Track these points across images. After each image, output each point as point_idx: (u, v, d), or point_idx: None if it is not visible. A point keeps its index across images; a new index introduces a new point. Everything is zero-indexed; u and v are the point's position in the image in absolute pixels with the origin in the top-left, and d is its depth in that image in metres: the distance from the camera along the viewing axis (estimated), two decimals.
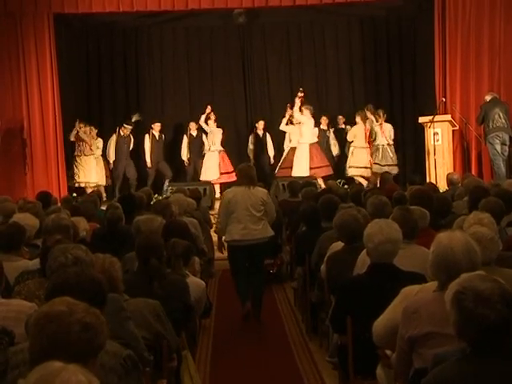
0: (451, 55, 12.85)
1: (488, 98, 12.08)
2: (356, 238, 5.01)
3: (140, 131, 14.70)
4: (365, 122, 14.08)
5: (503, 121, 11.84)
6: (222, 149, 14.42)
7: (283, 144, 14.68)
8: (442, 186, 10.53)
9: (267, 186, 12.54)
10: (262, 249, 7.40)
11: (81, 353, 2.22)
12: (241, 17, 14.72)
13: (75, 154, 14.01)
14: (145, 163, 14.59)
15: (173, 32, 15.87)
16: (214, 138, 14.40)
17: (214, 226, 9.21)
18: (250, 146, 14.97)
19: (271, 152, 14.83)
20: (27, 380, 1.83)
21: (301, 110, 13.85)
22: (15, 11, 12.99)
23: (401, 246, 4.25)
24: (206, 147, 14.54)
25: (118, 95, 15.73)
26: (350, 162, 14.22)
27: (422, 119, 12.77)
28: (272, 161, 14.79)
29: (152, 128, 14.57)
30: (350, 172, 14.20)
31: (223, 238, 7.61)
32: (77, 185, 13.90)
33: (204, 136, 14.60)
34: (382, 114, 13.84)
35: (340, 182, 13.04)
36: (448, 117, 12.63)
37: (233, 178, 13.73)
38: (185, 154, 14.67)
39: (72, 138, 13.94)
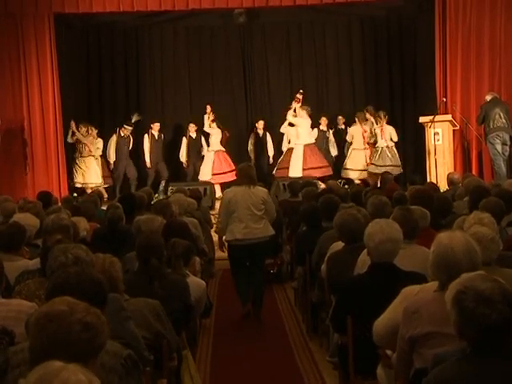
0: (452, 55, 12.85)
1: (488, 97, 12.08)
2: (356, 238, 5.01)
3: (139, 131, 14.70)
4: (362, 124, 14.12)
5: (504, 121, 11.85)
6: (220, 149, 14.38)
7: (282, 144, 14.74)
8: (443, 186, 10.53)
9: (267, 185, 12.56)
10: (263, 248, 7.42)
11: (81, 352, 2.22)
12: (241, 17, 14.72)
13: (74, 155, 14.01)
14: (144, 163, 14.60)
15: (173, 32, 15.87)
16: (211, 138, 14.40)
17: (215, 226, 9.23)
18: (250, 146, 14.97)
19: (271, 152, 14.84)
20: (27, 379, 1.83)
21: (295, 111, 13.91)
22: (16, 11, 12.99)
23: (401, 245, 4.25)
24: (205, 148, 14.56)
25: (118, 95, 15.73)
26: (346, 163, 14.31)
27: (422, 119, 12.77)
28: (272, 161, 14.80)
29: (151, 128, 14.58)
30: (345, 174, 14.25)
31: (224, 237, 7.63)
32: (77, 185, 13.90)
33: (203, 138, 14.61)
34: (382, 116, 13.87)
35: (340, 182, 13.05)
36: (448, 117, 12.63)
37: (227, 178, 13.80)
38: (184, 156, 14.67)
39: (69, 140, 13.93)
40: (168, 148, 15.05)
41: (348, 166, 14.28)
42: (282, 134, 14.65)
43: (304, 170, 13.82)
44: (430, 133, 12.47)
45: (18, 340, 3.13)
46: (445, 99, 12.81)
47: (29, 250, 5.48)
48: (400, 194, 7.35)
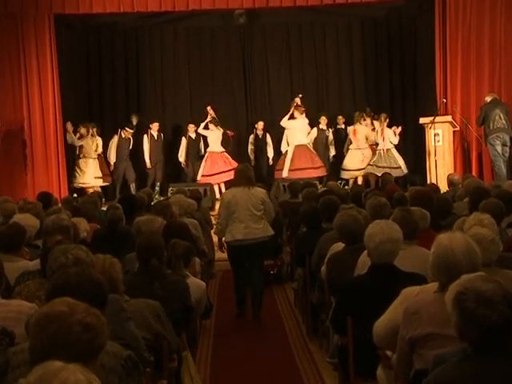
0: (452, 56, 12.85)
1: (488, 98, 12.08)
2: (356, 239, 5.01)
3: (139, 132, 14.70)
4: (355, 124, 14.18)
5: (504, 122, 11.85)
6: (218, 150, 14.35)
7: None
8: (443, 187, 10.52)
9: (267, 186, 12.57)
10: (263, 248, 7.47)
11: (81, 353, 2.22)
12: (241, 17, 14.72)
13: (74, 156, 14.02)
14: (144, 164, 14.60)
15: (173, 32, 15.88)
16: (208, 140, 14.39)
17: (214, 227, 9.22)
18: (250, 147, 14.97)
19: (271, 153, 14.84)
20: (27, 379, 1.83)
21: (292, 117, 14.04)
22: (16, 12, 12.99)
23: (401, 246, 4.25)
24: (202, 150, 14.57)
25: (118, 96, 15.74)
26: (343, 164, 14.34)
27: (422, 120, 12.77)
28: (271, 161, 14.81)
29: (150, 128, 14.58)
30: (342, 174, 14.32)
31: (223, 238, 7.65)
32: (76, 185, 13.89)
33: (202, 138, 14.61)
34: (383, 119, 13.91)
35: (340, 183, 13.05)
36: (449, 118, 12.63)
37: (220, 178, 13.82)
38: (182, 156, 14.67)
39: (70, 142, 13.93)
40: (168, 149, 15.05)
41: (343, 167, 14.33)
42: (282, 135, 14.65)
43: (290, 170, 13.99)
44: (430, 134, 12.48)
45: (18, 341, 3.12)
46: (445, 100, 12.82)
47: (29, 250, 5.47)
48: (400, 194, 7.35)
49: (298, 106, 14.18)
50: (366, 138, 14.19)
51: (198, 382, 4.82)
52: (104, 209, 8.51)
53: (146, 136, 14.56)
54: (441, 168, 12.30)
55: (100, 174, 14.09)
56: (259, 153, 14.83)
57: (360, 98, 15.73)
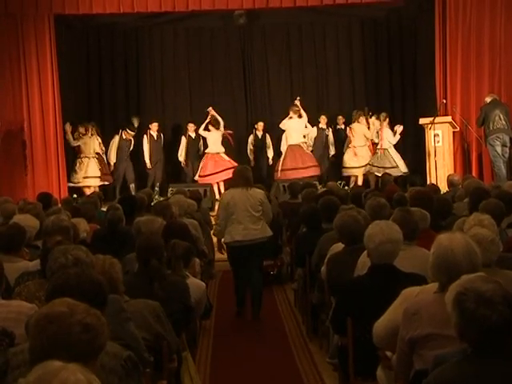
0: (452, 56, 12.85)
1: (488, 99, 12.08)
2: (356, 240, 5.01)
3: (139, 132, 14.69)
4: (352, 122, 14.23)
5: (504, 122, 11.85)
6: (217, 151, 14.33)
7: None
8: (443, 188, 10.52)
9: (267, 187, 12.57)
10: (262, 248, 7.49)
11: (81, 354, 2.22)
12: (241, 18, 14.72)
13: (80, 154, 14.03)
14: (144, 164, 14.60)
15: (173, 33, 15.88)
16: (208, 141, 14.39)
17: (213, 228, 9.22)
18: (250, 147, 14.97)
19: (270, 153, 14.84)
20: (27, 379, 1.83)
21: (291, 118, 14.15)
22: (16, 12, 12.99)
23: (401, 246, 4.25)
24: (201, 150, 14.58)
25: (118, 96, 15.74)
26: (343, 162, 14.37)
27: (422, 121, 12.77)
28: (271, 162, 14.81)
29: (149, 128, 14.58)
30: (342, 172, 14.43)
31: (222, 239, 7.67)
32: (73, 184, 13.86)
33: (202, 138, 14.62)
34: (382, 119, 13.93)
35: (340, 184, 13.05)
36: (448, 118, 12.63)
37: (215, 178, 13.82)
38: (182, 156, 14.67)
39: (73, 144, 13.94)
40: (168, 149, 15.04)
41: (343, 165, 14.35)
42: (282, 135, 14.67)
43: (281, 171, 14.15)
44: (430, 134, 12.48)
45: (18, 341, 3.13)
46: (445, 101, 12.82)
47: (29, 251, 5.47)
48: (400, 195, 7.35)
49: (292, 105, 14.23)
50: (365, 137, 14.20)
51: (198, 383, 4.82)
52: (104, 209, 8.50)
53: (145, 136, 14.56)
54: (441, 168, 12.30)
55: (98, 174, 14.06)
56: (259, 153, 14.83)
57: (360, 98, 15.73)
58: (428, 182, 11.69)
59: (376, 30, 15.87)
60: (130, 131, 14.39)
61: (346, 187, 12.98)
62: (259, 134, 14.87)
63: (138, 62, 15.85)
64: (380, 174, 13.21)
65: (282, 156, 14.33)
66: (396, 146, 14.00)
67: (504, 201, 5.84)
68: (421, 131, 13.19)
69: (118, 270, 3.87)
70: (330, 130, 14.89)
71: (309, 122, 14.48)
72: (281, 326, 7.29)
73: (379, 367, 3.94)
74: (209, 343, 6.73)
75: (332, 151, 14.86)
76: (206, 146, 14.50)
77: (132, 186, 14.33)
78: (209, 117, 14.35)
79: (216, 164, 14.17)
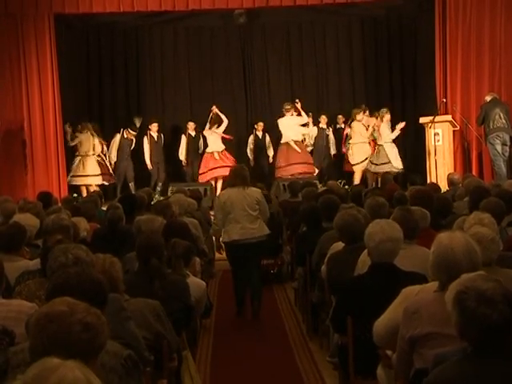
0: (452, 55, 12.86)
1: (488, 98, 12.08)
2: (357, 239, 5.00)
3: (139, 133, 14.69)
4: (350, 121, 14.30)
5: (504, 121, 11.85)
6: (215, 150, 14.33)
7: None
8: (443, 187, 10.52)
9: (267, 186, 12.59)
10: (260, 247, 7.50)
11: (81, 353, 2.22)
12: (241, 17, 14.72)
13: (77, 153, 14.02)
14: (145, 165, 14.60)
15: (173, 32, 15.89)
16: (209, 140, 14.39)
17: (211, 228, 9.21)
18: (250, 147, 14.97)
19: (271, 153, 14.84)
20: (25, 376, 1.83)
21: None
22: (16, 12, 13.00)
23: (401, 245, 4.25)
24: (201, 149, 14.58)
25: (118, 95, 15.75)
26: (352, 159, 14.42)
27: (422, 120, 12.78)
28: (271, 160, 14.81)
29: (150, 129, 14.58)
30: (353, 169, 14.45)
31: (220, 239, 7.68)
32: (71, 182, 13.85)
33: (202, 137, 14.61)
34: (379, 116, 13.95)
35: (341, 183, 13.06)
36: (449, 117, 12.63)
37: (211, 174, 13.83)
38: (183, 154, 14.67)
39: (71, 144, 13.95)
40: (168, 148, 15.03)
41: (353, 162, 14.38)
42: (282, 135, 14.67)
43: (277, 168, 14.18)
44: (430, 133, 12.48)
45: (19, 340, 3.13)
46: (445, 100, 12.82)
47: (29, 250, 5.48)
48: (400, 194, 7.35)
49: (284, 104, 14.27)
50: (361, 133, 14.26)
51: (198, 382, 4.82)
52: (104, 208, 8.51)
53: (145, 137, 14.55)
54: (441, 167, 12.30)
55: (98, 172, 14.02)
56: (259, 153, 14.83)
57: (360, 97, 15.74)
58: (428, 181, 11.70)
59: (376, 29, 15.88)
60: (131, 131, 14.39)
61: (346, 186, 12.98)
62: (259, 134, 14.87)
63: (137, 61, 15.86)
64: (373, 171, 13.38)
65: (277, 154, 14.38)
66: (396, 145, 13.99)
67: (504, 199, 5.84)
68: (421, 130, 13.19)
69: (118, 269, 3.87)
70: (331, 129, 14.91)
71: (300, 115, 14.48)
72: (281, 325, 7.29)
73: (379, 366, 3.94)
74: (209, 342, 6.73)
75: (333, 151, 14.87)
76: (206, 145, 14.49)
77: (131, 184, 14.33)
78: (211, 114, 14.32)
79: (215, 161, 14.17)
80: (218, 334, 7.04)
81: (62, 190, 13.23)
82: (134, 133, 14.43)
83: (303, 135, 14.53)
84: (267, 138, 14.85)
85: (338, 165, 14.84)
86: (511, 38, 12.56)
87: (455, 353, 2.59)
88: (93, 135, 14.04)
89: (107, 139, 14.47)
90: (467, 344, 2.51)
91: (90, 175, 13.93)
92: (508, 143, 11.94)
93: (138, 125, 14.65)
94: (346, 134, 14.56)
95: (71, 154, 14.02)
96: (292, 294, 8.33)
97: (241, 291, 7.57)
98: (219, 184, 14.01)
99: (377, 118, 14.02)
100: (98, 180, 14.01)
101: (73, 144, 13.95)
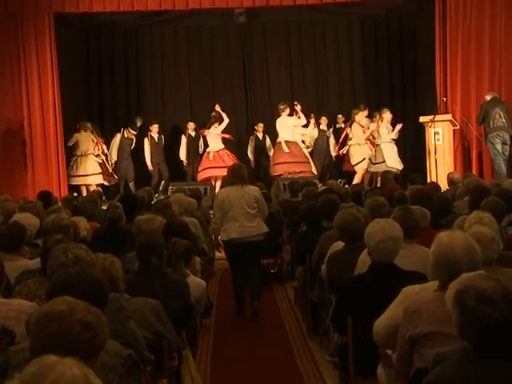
0: (452, 54, 12.86)
1: (488, 97, 12.08)
2: (357, 238, 5.00)
3: (140, 134, 14.69)
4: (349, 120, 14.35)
5: (504, 120, 11.85)
6: (215, 149, 14.32)
7: None
8: (443, 186, 10.53)
9: (267, 185, 12.59)
10: (258, 245, 7.51)
11: (82, 352, 2.22)
12: (241, 16, 14.72)
13: (74, 153, 14.00)
14: (146, 166, 14.59)
15: (173, 31, 15.89)
16: (209, 140, 14.40)
17: (210, 226, 9.22)
18: (250, 148, 14.96)
19: (271, 153, 14.83)
20: (23, 373, 1.83)
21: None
22: (16, 11, 13.00)
23: (402, 245, 4.25)
24: (201, 149, 14.58)
25: (118, 95, 15.74)
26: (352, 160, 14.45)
27: (422, 119, 12.78)
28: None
29: (150, 130, 14.57)
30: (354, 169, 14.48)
31: (219, 237, 7.69)
32: (71, 182, 13.84)
33: (201, 137, 14.61)
34: (378, 116, 13.98)
35: (341, 182, 13.07)
36: (449, 116, 12.64)
37: (208, 173, 13.83)
38: (183, 155, 14.67)
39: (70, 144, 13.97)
40: (168, 148, 15.02)
41: (353, 163, 14.40)
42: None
43: (272, 166, 14.22)
44: (430, 132, 12.48)
45: (19, 340, 3.13)
46: (445, 99, 12.82)
47: (29, 249, 5.48)
48: (400, 193, 7.35)
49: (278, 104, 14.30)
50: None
51: (198, 381, 4.82)
52: (104, 208, 8.51)
53: (146, 139, 14.55)
54: (441, 167, 12.30)
55: (98, 171, 14.01)
56: (259, 154, 14.82)
57: (360, 96, 15.73)
58: (428, 180, 11.70)
59: (376, 29, 15.88)
60: (131, 130, 14.40)
61: (347, 185, 12.98)
62: (259, 135, 14.87)
63: (137, 61, 15.85)
64: (372, 170, 13.52)
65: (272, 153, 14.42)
66: (396, 144, 13.99)
67: (504, 199, 5.84)
68: (421, 129, 13.19)
69: (119, 268, 3.87)
70: (331, 130, 14.91)
71: (308, 120, 14.48)
72: (281, 325, 7.29)
73: (379, 365, 3.94)
74: (209, 341, 6.73)
75: (333, 152, 14.88)
76: (206, 144, 14.48)
77: (131, 184, 14.33)
78: (213, 112, 14.29)
79: (209, 161, 14.16)
80: (218, 333, 7.04)
81: (62, 189, 13.23)
82: (134, 132, 14.44)
83: (302, 135, 14.52)
84: (267, 138, 14.85)
85: (339, 165, 14.85)
86: (511, 38, 12.56)
87: (455, 352, 2.59)
88: (88, 133, 14.02)
89: (107, 139, 14.47)
90: (467, 343, 2.51)
91: (90, 174, 13.92)
92: (508, 142, 11.95)
93: (138, 124, 14.66)
94: (346, 134, 14.56)
95: (71, 153, 14.01)
96: (292, 293, 8.33)
97: (240, 290, 7.58)
98: (218, 183, 14.00)
99: (376, 117, 14.05)
100: (99, 179, 14.00)
101: (70, 144, 13.92)
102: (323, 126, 14.82)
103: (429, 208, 5.74)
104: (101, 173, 14.05)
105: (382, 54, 15.76)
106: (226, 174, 13.22)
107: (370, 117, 14.45)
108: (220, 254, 9.15)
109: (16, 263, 4.91)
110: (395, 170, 13.62)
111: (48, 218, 5.79)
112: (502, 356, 2.44)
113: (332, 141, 14.86)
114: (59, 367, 1.82)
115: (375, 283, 4.10)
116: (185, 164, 14.71)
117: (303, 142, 14.59)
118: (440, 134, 12.49)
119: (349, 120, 14.64)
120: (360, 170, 14.10)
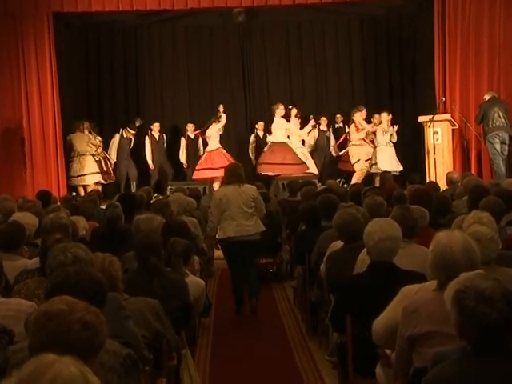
0: (451, 54, 12.87)
1: (487, 97, 12.08)
2: (356, 237, 5.01)
3: (140, 133, 14.69)
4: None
5: (503, 120, 11.85)
6: (213, 148, 14.31)
7: None
8: (442, 185, 10.53)
9: (266, 185, 12.59)
10: (255, 244, 7.53)
11: (81, 351, 2.22)
12: (240, 16, 14.72)
13: (72, 154, 13.98)
14: (147, 165, 14.58)
15: (172, 31, 15.89)
16: (209, 140, 14.39)
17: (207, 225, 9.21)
18: (251, 146, 14.95)
19: None
20: (21, 372, 1.83)
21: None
22: (15, 10, 13.00)
23: (400, 244, 4.25)
24: (201, 149, 14.56)
25: (117, 94, 15.74)
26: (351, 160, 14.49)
27: (421, 118, 12.78)
28: None
29: (151, 129, 14.57)
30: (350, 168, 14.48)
31: (216, 235, 7.70)
32: (71, 182, 13.83)
33: (201, 138, 14.60)
34: (376, 119, 14.04)
35: (340, 181, 13.07)
36: (448, 116, 12.64)
37: (213, 173, 13.83)
38: (183, 157, 14.66)
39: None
40: (168, 148, 15.00)
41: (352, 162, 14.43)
42: None
43: (260, 164, 14.27)
44: (429, 132, 12.48)
45: (18, 339, 3.13)
46: (444, 98, 12.83)
47: (28, 249, 5.48)
48: (399, 193, 7.35)
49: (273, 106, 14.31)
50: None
51: (197, 380, 4.83)
52: (103, 207, 8.50)
53: (147, 137, 14.55)
54: (440, 166, 12.31)
55: (95, 170, 13.98)
56: (260, 151, 14.79)
57: (359, 96, 15.74)
58: (427, 180, 11.70)
59: (375, 28, 15.88)
60: (130, 130, 14.40)
61: (346, 185, 12.99)
62: (260, 133, 14.86)
63: (136, 60, 15.85)
64: (372, 171, 13.61)
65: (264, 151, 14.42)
66: (395, 143, 14.01)
67: (503, 198, 5.85)
68: (420, 129, 13.20)
69: (118, 267, 3.87)
70: (331, 131, 14.93)
71: (307, 120, 14.46)
72: (280, 324, 7.29)
73: (378, 365, 3.94)
74: (208, 341, 6.73)
75: (333, 152, 14.88)
76: (205, 145, 14.45)
77: (134, 184, 14.30)
78: (218, 113, 14.24)
79: (216, 160, 14.15)
80: (217, 332, 7.04)
81: (61, 188, 13.23)
82: (132, 131, 14.44)
83: (299, 136, 14.52)
84: (268, 137, 14.84)
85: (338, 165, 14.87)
86: (510, 37, 12.57)
87: (454, 352, 2.59)
88: (90, 133, 14.01)
89: (106, 138, 14.46)
90: (466, 343, 2.51)
91: (87, 174, 13.89)
92: (507, 142, 11.95)
93: (137, 124, 14.64)
94: (347, 135, 14.60)
95: (69, 154, 13.99)
96: (291, 292, 8.33)
97: (239, 290, 7.59)
98: (216, 184, 13.99)
99: (375, 119, 14.10)
100: (96, 178, 13.97)
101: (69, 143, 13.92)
102: (323, 127, 14.83)
103: (428, 207, 5.74)
104: (98, 172, 14.02)
105: (381, 53, 15.76)
106: (216, 175, 13.48)
107: (369, 118, 14.47)
108: (219, 254, 9.14)
109: (15, 262, 4.91)
110: (394, 173, 13.65)
111: (47, 218, 5.79)
112: (501, 355, 2.44)
113: (332, 141, 14.87)
114: (57, 365, 1.82)
115: (374, 283, 4.10)
116: (185, 166, 14.71)
117: (303, 142, 14.59)
118: (439, 134, 12.49)
119: (348, 120, 14.65)
120: (357, 170, 14.14)
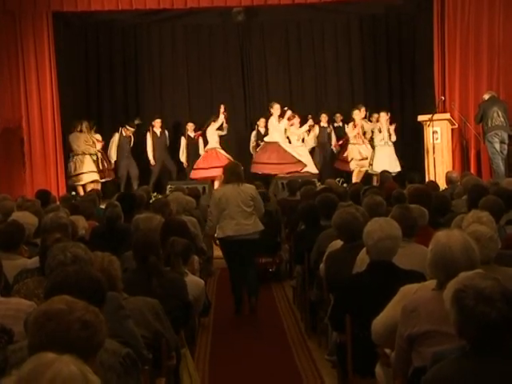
0: (450, 54, 12.87)
1: (486, 96, 12.08)
2: (355, 237, 5.01)
3: (141, 130, 14.68)
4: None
5: (502, 119, 11.85)
6: (213, 147, 14.32)
7: None
8: (441, 185, 10.53)
9: (266, 184, 12.59)
10: (254, 243, 7.53)
11: (80, 351, 2.22)
12: (240, 15, 14.72)
13: (70, 154, 13.97)
14: (148, 162, 14.57)
15: (172, 30, 15.88)
16: (209, 139, 14.39)
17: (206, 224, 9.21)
18: (252, 144, 14.94)
19: None
20: (21, 370, 1.83)
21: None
22: (14, 9, 12.99)
23: (400, 243, 4.25)
24: (201, 148, 14.56)
25: (116, 93, 15.74)
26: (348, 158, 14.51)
27: (421, 118, 12.79)
28: None
29: (153, 125, 14.57)
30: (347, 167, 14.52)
31: (215, 234, 7.71)
32: (71, 183, 13.83)
33: (201, 138, 14.59)
34: (374, 119, 14.06)
35: (339, 181, 13.07)
36: (447, 115, 12.64)
37: (211, 173, 13.81)
38: (184, 156, 14.66)
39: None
40: (169, 147, 14.98)
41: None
42: None
43: (254, 163, 14.26)
44: (428, 131, 12.48)
45: (17, 339, 3.13)
46: (443, 98, 12.83)
47: (28, 248, 5.47)
48: (399, 192, 7.35)
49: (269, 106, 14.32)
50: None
51: (197, 380, 4.82)
52: (103, 206, 8.50)
53: (148, 134, 14.54)
54: (439, 166, 12.32)
55: (93, 169, 13.96)
56: None
57: (358, 95, 15.75)
58: (427, 179, 11.70)
59: (375, 28, 15.88)
60: (129, 128, 14.39)
61: (345, 184, 13.00)
62: (262, 130, 14.85)
63: (136, 60, 15.85)
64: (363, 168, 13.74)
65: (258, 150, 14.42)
66: (394, 143, 14.02)
67: (502, 198, 5.85)
68: (419, 128, 13.20)
69: (117, 267, 3.87)
70: (331, 127, 14.92)
71: (306, 120, 14.46)
72: (279, 323, 7.30)
73: (378, 364, 3.94)
74: (207, 340, 6.73)
75: (335, 149, 14.88)
76: (206, 144, 14.44)
77: (136, 182, 14.29)
78: (221, 114, 14.24)
79: (214, 159, 14.15)
80: (217, 332, 7.04)
81: (61, 188, 13.22)
82: (131, 129, 14.42)
83: (298, 135, 14.53)
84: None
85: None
86: (509, 37, 12.58)
87: (453, 351, 2.59)
88: (89, 133, 14.00)
89: (106, 137, 14.46)
90: (465, 342, 2.51)
91: (85, 172, 13.88)
92: (506, 141, 11.95)
93: (136, 122, 14.63)
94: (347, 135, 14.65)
95: (68, 154, 13.99)
96: (290, 292, 8.33)
97: (238, 290, 7.59)
98: (217, 183, 13.99)
99: (373, 119, 14.13)
100: (93, 176, 13.94)
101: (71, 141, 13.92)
102: (323, 123, 14.82)
103: (427, 207, 5.74)
104: (95, 171, 14.00)
105: (381, 52, 15.77)
106: (211, 175, 13.49)
107: (368, 118, 14.49)
108: (218, 253, 9.13)
109: (14, 262, 4.91)
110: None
111: (46, 217, 5.78)
112: (501, 355, 2.44)
113: (333, 138, 14.87)
114: (57, 364, 1.82)
115: (374, 282, 4.10)
116: (185, 165, 14.70)
117: (303, 140, 14.59)
118: (438, 133, 12.50)
119: (347, 119, 14.66)
120: (352, 168, 14.19)
